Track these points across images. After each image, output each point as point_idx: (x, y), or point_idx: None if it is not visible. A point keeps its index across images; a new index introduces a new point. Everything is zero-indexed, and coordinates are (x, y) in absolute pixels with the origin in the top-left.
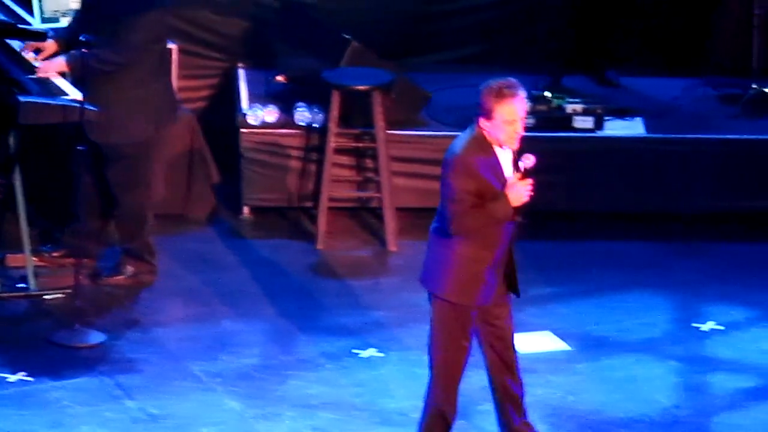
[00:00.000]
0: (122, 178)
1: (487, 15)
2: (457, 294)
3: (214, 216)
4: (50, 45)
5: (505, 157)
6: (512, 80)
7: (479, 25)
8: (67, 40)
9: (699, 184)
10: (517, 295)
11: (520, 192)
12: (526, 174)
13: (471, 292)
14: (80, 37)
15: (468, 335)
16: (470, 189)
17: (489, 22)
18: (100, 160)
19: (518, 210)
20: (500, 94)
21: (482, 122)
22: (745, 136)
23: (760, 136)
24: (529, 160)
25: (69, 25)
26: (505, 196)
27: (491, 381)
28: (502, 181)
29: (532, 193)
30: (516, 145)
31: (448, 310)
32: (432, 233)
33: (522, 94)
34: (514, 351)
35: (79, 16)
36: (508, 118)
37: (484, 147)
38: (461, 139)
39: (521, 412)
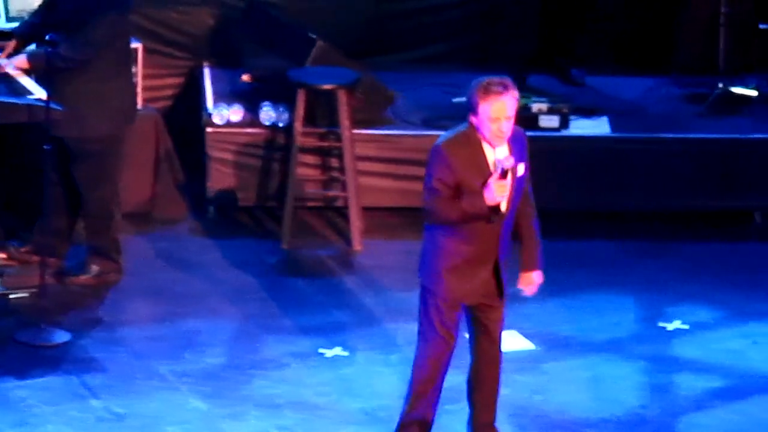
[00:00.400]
0: (87, 176)
1: (452, 14)
2: (438, 285)
3: (180, 215)
4: (10, 42)
5: (497, 154)
6: (505, 79)
7: (444, 25)
8: (26, 36)
9: (664, 184)
10: (501, 297)
11: (494, 192)
12: (504, 174)
13: (452, 285)
14: (46, 37)
15: (450, 330)
16: (446, 180)
17: (454, 21)
18: (66, 158)
19: (494, 209)
20: (486, 91)
21: (471, 117)
22: (710, 135)
23: (725, 135)
24: (508, 161)
25: (28, 21)
26: (480, 194)
27: (470, 379)
28: (486, 178)
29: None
30: (502, 143)
31: (430, 300)
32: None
33: (511, 93)
34: (500, 353)
35: (41, 13)
36: (492, 115)
37: (471, 142)
38: (452, 130)
39: (491, 415)
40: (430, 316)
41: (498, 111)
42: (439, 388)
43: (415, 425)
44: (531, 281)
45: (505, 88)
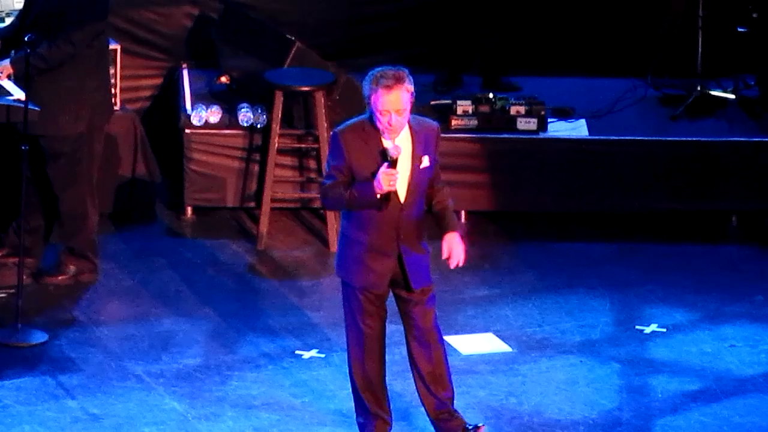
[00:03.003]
0: (61, 175)
1: (428, 16)
2: (345, 273)
3: (156, 216)
4: None
5: (399, 141)
6: (399, 71)
7: (421, 27)
8: (7, 39)
9: (641, 186)
10: (408, 290)
11: (383, 180)
12: (393, 164)
13: (354, 273)
14: (25, 38)
15: (365, 318)
16: (339, 165)
17: (430, 23)
18: (40, 159)
19: (384, 198)
20: (377, 83)
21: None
22: (687, 138)
23: (703, 138)
24: (395, 151)
25: (11, 24)
26: (370, 181)
27: (411, 370)
28: (378, 167)
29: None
30: (392, 136)
31: (343, 288)
32: None
33: (403, 86)
34: (428, 348)
35: (21, 15)
36: (381, 107)
37: (367, 130)
38: (354, 118)
39: (441, 396)
40: (347, 306)
41: (386, 104)
42: (380, 382)
43: (372, 423)
44: (453, 242)
45: (397, 80)
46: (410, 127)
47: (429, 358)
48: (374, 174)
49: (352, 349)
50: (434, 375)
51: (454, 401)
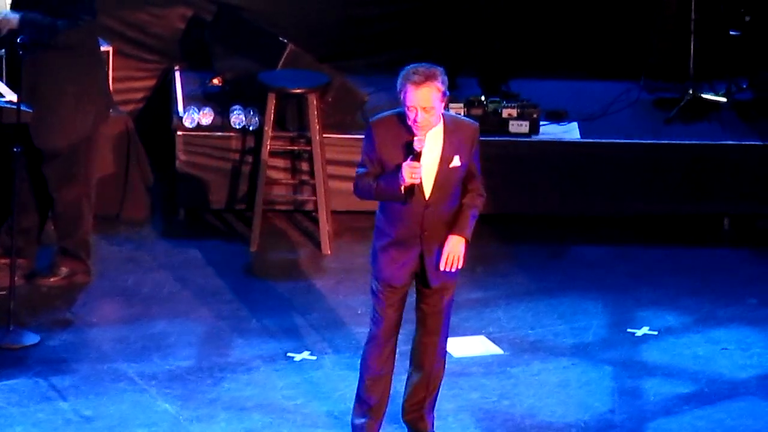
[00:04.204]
0: (58, 176)
1: (423, 18)
2: (374, 264)
3: (149, 218)
4: None
5: (427, 144)
6: (431, 68)
7: (415, 28)
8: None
9: (633, 189)
10: (425, 286)
11: (405, 172)
12: (417, 157)
13: (379, 264)
14: (17, 39)
15: (384, 309)
16: (371, 156)
17: (424, 25)
18: (36, 158)
19: (409, 191)
20: (405, 79)
21: None
22: (679, 141)
23: (695, 141)
24: (418, 144)
25: None
26: (396, 173)
27: (410, 361)
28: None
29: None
30: (420, 132)
31: (372, 281)
32: None
33: (432, 84)
34: (436, 345)
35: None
36: (408, 103)
37: (400, 123)
38: (391, 111)
39: (419, 398)
40: (372, 296)
41: (413, 100)
42: (384, 377)
43: (366, 412)
44: (450, 244)
45: (427, 78)
46: (445, 126)
47: (430, 357)
48: (400, 166)
49: (370, 345)
50: (427, 376)
51: (434, 405)
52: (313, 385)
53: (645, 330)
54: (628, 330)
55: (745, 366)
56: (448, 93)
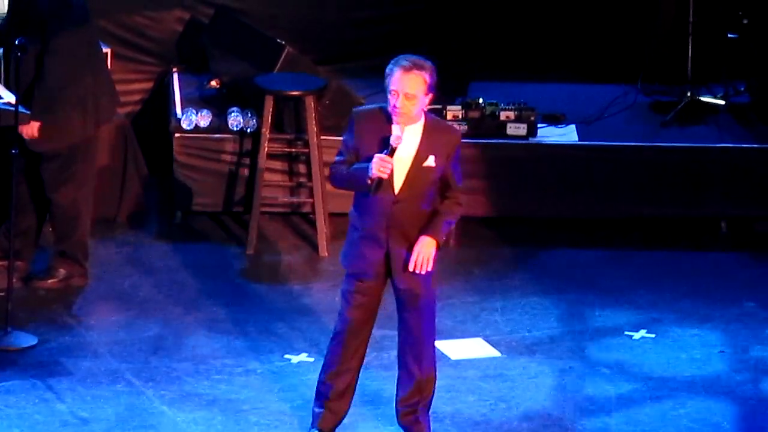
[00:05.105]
0: (56, 177)
1: (419, 21)
2: (342, 257)
3: (146, 220)
4: None
5: (403, 140)
6: (423, 59)
7: (411, 32)
8: None
9: (631, 192)
10: (389, 277)
11: (374, 165)
12: (391, 152)
13: (348, 257)
14: (16, 41)
15: (352, 306)
16: (349, 144)
17: (421, 28)
18: (33, 160)
19: (376, 184)
20: (395, 63)
21: None
22: (677, 144)
23: (693, 144)
24: (394, 140)
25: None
26: (368, 164)
27: (397, 364)
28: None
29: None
30: (399, 120)
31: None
32: None
33: (419, 72)
34: (418, 343)
35: (8, 18)
36: (391, 87)
37: (381, 116)
38: (377, 104)
39: (412, 402)
40: (342, 291)
41: (397, 83)
42: (343, 374)
43: (324, 403)
44: (420, 244)
45: (416, 65)
46: (425, 124)
47: (413, 359)
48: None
49: (333, 337)
50: (417, 380)
51: (430, 407)
52: (311, 387)
53: (642, 333)
54: (626, 333)
55: (742, 369)
56: (433, 90)
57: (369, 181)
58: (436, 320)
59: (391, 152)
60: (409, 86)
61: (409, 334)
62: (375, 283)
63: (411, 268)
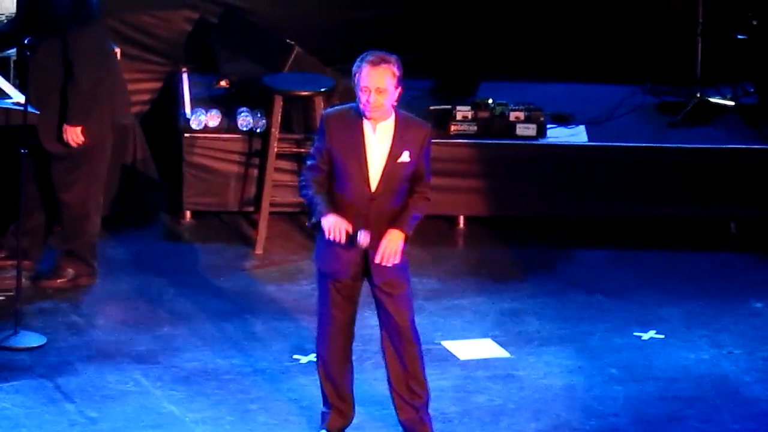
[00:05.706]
0: (65, 176)
1: (426, 22)
2: (316, 258)
3: (155, 220)
4: None
5: (377, 137)
6: (388, 54)
7: (418, 32)
8: (4, 38)
9: (640, 193)
10: (371, 283)
11: (335, 227)
12: (356, 247)
13: (323, 259)
14: (24, 41)
15: (332, 307)
16: (319, 147)
17: (428, 29)
18: (42, 160)
19: (315, 225)
20: (362, 60)
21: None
22: (686, 145)
23: (701, 145)
24: (364, 242)
25: (8, 24)
26: (324, 213)
27: (386, 371)
28: (358, 158)
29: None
30: (372, 117)
31: (317, 275)
32: None
33: (387, 66)
34: (408, 340)
35: (17, 17)
36: (361, 83)
37: (352, 117)
38: (344, 105)
39: (409, 406)
40: (318, 293)
41: (367, 79)
42: (342, 374)
43: (326, 402)
44: (388, 237)
45: (383, 60)
46: (396, 121)
47: (400, 357)
48: (349, 164)
49: (318, 338)
50: (406, 376)
51: (428, 405)
52: (319, 387)
53: (651, 334)
54: (635, 334)
55: (750, 370)
56: (401, 84)
57: (313, 222)
58: (445, 321)
59: (357, 247)
60: (379, 81)
61: (392, 327)
62: (352, 283)
63: (377, 260)
